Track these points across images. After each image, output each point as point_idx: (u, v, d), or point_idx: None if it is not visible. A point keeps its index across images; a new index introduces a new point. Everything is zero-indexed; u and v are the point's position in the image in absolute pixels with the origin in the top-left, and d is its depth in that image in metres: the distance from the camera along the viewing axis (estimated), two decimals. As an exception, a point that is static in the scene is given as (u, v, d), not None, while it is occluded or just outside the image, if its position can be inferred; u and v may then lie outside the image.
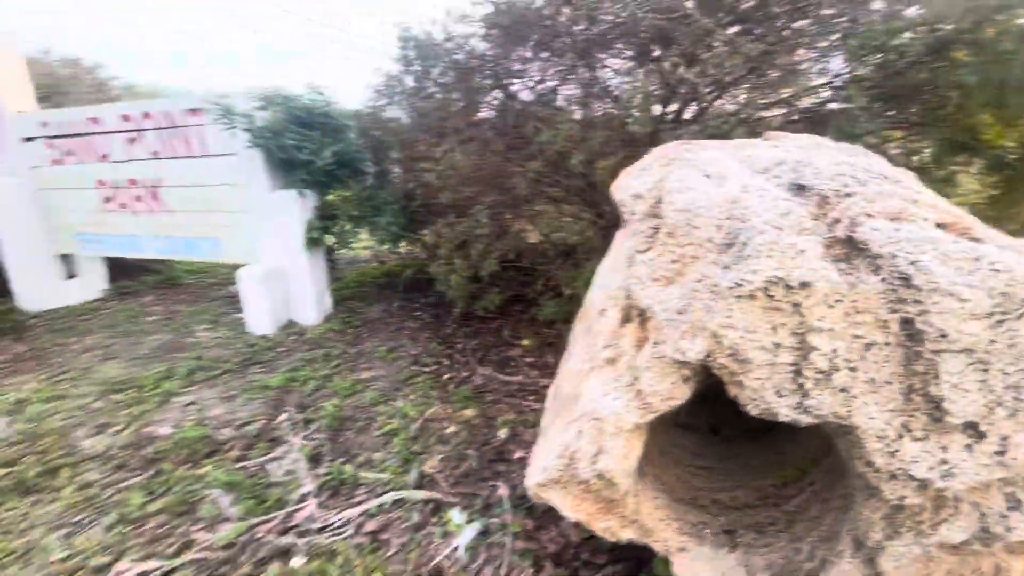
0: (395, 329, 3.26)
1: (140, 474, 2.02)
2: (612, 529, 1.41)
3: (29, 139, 3.84)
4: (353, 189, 3.43)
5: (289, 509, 1.79)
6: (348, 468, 1.95)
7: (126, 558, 1.60)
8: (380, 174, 3.47)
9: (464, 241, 2.91)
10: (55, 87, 4.28)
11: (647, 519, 1.33)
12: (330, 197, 3.54)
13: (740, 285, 0.90)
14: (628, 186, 1.15)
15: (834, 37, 2.52)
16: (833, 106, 2.44)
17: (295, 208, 3.22)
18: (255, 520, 1.74)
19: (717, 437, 1.71)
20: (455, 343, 3.03)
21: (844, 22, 2.41)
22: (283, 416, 2.37)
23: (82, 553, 1.62)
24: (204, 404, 2.50)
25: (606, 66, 2.90)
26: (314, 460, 2.04)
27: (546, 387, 2.51)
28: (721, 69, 2.20)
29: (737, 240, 0.93)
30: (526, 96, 3.16)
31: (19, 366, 3.00)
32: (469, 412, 2.29)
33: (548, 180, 2.86)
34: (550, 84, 3.07)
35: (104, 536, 1.69)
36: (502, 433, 2.14)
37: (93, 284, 4.27)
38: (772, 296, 0.90)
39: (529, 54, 3.00)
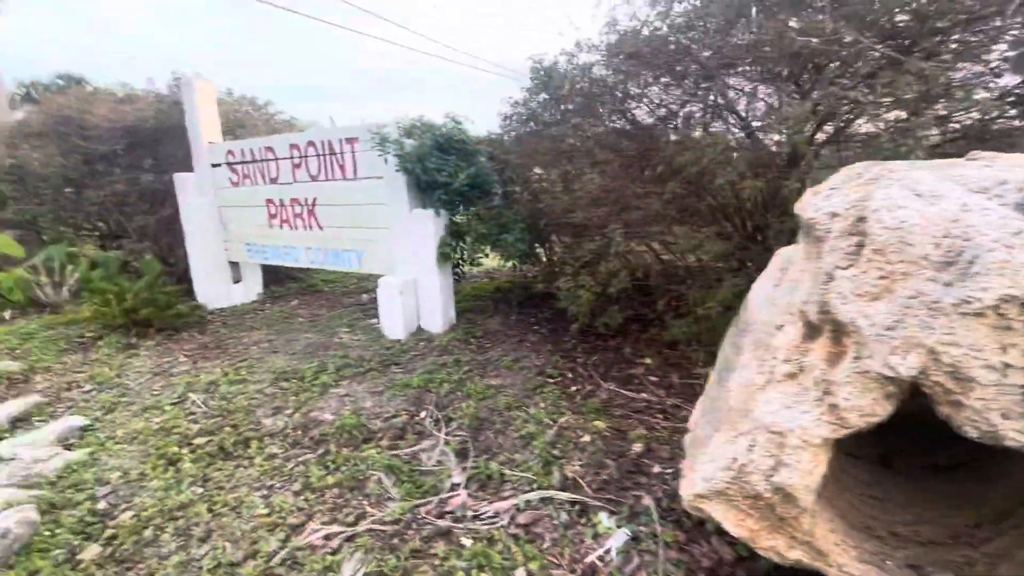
0: (517, 341, 3.43)
1: (312, 451, 2.32)
2: (778, 548, 1.39)
3: (216, 165, 4.61)
4: (481, 209, 3.70)
5: (443, 496, 1.97)
6: (493, 465, 2.10)
7: (315, 520, 1.86)
8: (506, 195, 3.71)
9: (590, 259, 3.01)
10: (236, 122, 5.10)
11: (821, 542, 1.31)
12: (457, 218, 3.84)
13: (967, 302, 0.90)
14: (820, 205, 1.18)
15: (1005, 50, 2.33)
16: (1013, 122, 2.25)
17: (431, 226, 3.54)
18: (415, 502, 1.93)
19: (889, 470, 1.62)
20: (576, 358, 3.12)
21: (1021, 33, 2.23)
22: (424, 413, 2.60)
23: (280, 511, 1.91)
24: (356, 396, 2.81)
25: (731, 87, 2.90)
26: (460, 455, 2.21)
27: (674, 406, 2.52)
28: (876, 90, 2.13)
29: (960, 258, 0.94)
30: (648, 120, 3.25)
31: (206, 353, 3.57)
32: (600, 424, 2.35)
33: (677, 202, 2.89)
34: (672, 108, 3.13)
35: (295, 500, 1.97)
36: (637, 447, 2.17)
37: (253, 288, 4.96)
38: (1003, 315, 0.89)
39: (651, 78, 3.09)
